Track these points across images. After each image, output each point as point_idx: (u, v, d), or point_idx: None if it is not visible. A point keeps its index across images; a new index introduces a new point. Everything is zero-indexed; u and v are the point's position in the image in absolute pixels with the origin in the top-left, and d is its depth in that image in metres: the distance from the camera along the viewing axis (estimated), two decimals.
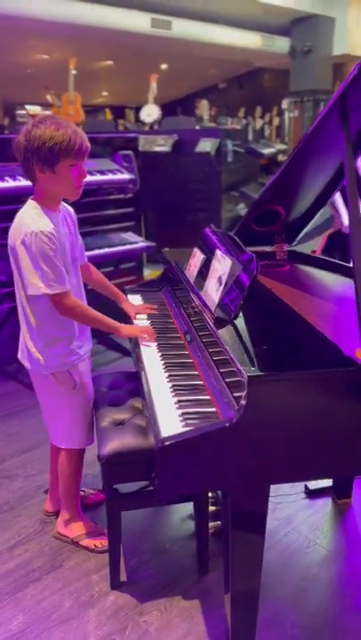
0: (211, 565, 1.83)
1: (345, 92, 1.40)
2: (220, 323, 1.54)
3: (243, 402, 1.19)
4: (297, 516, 2.10)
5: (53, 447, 2.01)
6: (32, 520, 2.09)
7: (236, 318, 1.51)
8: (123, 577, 1.80)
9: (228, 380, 1.38)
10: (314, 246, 3.89)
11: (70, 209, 1.83)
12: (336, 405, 1.23)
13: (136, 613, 1.67)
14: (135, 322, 2.03)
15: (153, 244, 3.68)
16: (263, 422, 1.20)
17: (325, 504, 2.17)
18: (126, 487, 1.73)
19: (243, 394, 1.20)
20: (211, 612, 1.68)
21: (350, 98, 1.42)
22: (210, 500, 1.88)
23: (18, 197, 2.79)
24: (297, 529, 2.03)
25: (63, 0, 8.17)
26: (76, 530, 1.95)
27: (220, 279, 1.65)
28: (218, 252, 1.72)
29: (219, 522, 1.94)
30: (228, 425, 1.18)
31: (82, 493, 2.09)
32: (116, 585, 1.77)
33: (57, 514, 2.06)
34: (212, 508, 1.91)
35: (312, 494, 2.21)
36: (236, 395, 1.29)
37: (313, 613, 1.68)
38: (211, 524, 1.86)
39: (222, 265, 1.66)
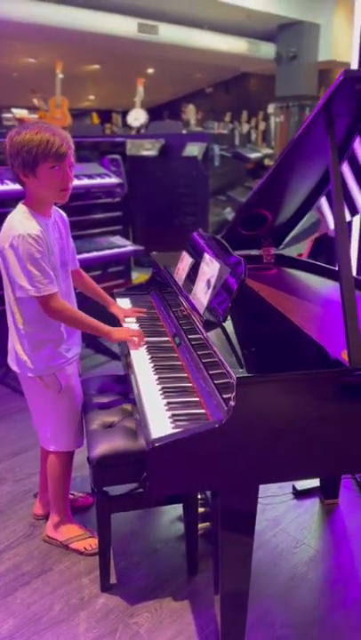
0: (200, 566, 1.84)
1: (330, 99, 1.42)
2: (208, 325, 1.55)
3: (232, 403, 1.21)
4: (285, 516, 2.12)
5: (43, 450, 2.01)
6: (21, 524, 2.09)
7: (224, 321, 1.53)
8: (113, 579, 1.81)
9: (217, 381, 1.40)
10: (300, 249, 3.94)
11: (63, 213, 1.85)
12: (324, 406, 1.25)
13: (126, 615, 1.68)
14: (124, 325, 2.04)
15: (141, 247, 3.70)
16: (252, 423, 1.22)
17: (313, 504, 2.19)
18: (115, 489, 1.74)
19: (232, 395, 1.22)
20: (200, 612, 1.69)
21: (335, 105, 1.45)
22: (199, 502, 1.89)
23: (4, 201, 2.80)
24: (285, 529, 2.05)
25: (49, 4, 8.17)
26: (66, 533, 1.96)
27: (208, 282, 1.67)
28: (206, 256, 1.74)
29: (208, 523, 1.95)
30: (217, 426, 1.20)
31: (71, 497, 2.10)
32: (106, 587, 1.77)
33: (46, 517, 2.06)
34: (201, 510, 1.92)
35: (300, 495, 2.23)
36: (225, 396, 1.31)
37: (302, 612, 1.70)
38: (200, 526, 1.88)
39: (210, 268, 1.68)
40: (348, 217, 2.51)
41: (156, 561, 1.90)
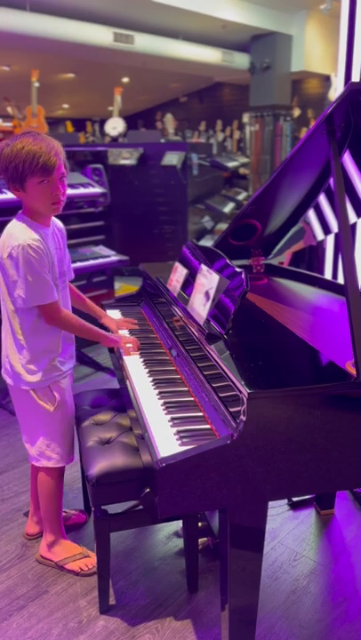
0: (199, 583, 1.81)
1: (335, 110, 1.42)
2: (209, 338, 1.53)
3: (243, 418, 1.18)
4: (282, 528, 2.10)
5: (34, 468, 1.95)
6: (13, 545, 2.02)
7: (227, 334, 1.51)
8: (111, 600, 1.76)
9: (221, 395, 1.37)
10: (280, 259, 3.95)
11: (61, 224, 1.82)
12: (334, 418, 1.24)
13: (128, 637, 1.63)
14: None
15: (126, 257, 3.66)
16: (263, 438, 1.19)
17: (309, 515, 2.18)
18: (113, 507, 1.69)
19: (242, 409, 1.19)
20: (204, 631, 1.66)
21: (337, 116, 1.46)
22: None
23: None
24: (283, 542, 2.03)
25: (23, 12, 8.10)
26: (61, 553, 1.90)
27: (207, 294, 1.65)
28: (203, 267, 1.72)
29: (205, 538, 1.92)
30: (229, 442, 1.17)
31: (64, 514, 2.04)
32: (105, 609, 1.72)
33: (39, 536, 2.00)
34: (198, 524, 1.88)
35: (295, 506, 2.22)
36: (232, 410, 1.29)
37: (306, 627, 1.68)
38: (198, 541, 1.84)
39: (209, 280, 1.66)
40: (334, 229, 2.52)
41: (154, 579, 1.85)
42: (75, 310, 2.02)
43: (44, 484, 1.86)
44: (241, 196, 7.75)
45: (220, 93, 14.91)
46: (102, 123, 8.88)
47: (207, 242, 6.06)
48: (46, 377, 1.74)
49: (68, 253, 1.83)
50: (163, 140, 7.24)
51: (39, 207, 1.65)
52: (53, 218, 1.76)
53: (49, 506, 1.88)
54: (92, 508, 1.66)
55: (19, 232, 1.61)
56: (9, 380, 1.78)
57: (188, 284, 1.93)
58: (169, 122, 10.64)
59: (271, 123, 10.89)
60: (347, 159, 1.96)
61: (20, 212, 1.69)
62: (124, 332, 2.04)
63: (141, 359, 1.82)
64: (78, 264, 3.40)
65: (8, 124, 9.63)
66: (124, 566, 1.90)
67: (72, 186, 3.44)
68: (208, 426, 1.38)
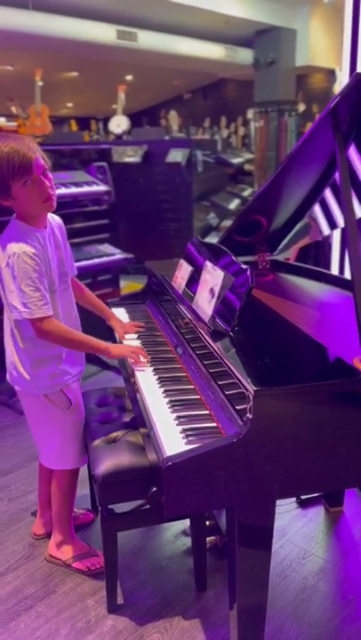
0: (208, 582, 1.80)
1: (340, 101, 1.40)
2: (215, 335, 1.52)
3: (249, 416, 1.17)
4: (291, 526, 2.08)
5: (43, 468, 1.94)
6: (20, 545, 2.02)
7: (232, 331, 1.49)
8: (119, 599, 1.75)
9: (228, 392, 1.36)
10: (287, 254, 3.91)
11: (58, 220, 1.77)
12: (343, 415, 1.22)
13: (136, 637, 1.62)
14: (124, 342, 1.98)
15: (131, 255, 3.65)
16: (271, 436, 1.18)
17: (318, 513, 2.16)
18: (120, 506, 1.68)
19: (248, 407, 1.18)
20: (212, 630, 1.65)
21: (342, 107, 1.43)
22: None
23: None
24: (292, 540, 2.01)
25: (27, 11, 8.09)
26: (69, 552, 1.89)
27: (212, 291, 1.63)
28: (208, 264, 1.70)
29: (213, 537, 1.90)
30: (235, 440, 1.16)
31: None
32: (113, 608, 1.71)
33: (47, 536, 2.00)
34: (206, 523, 1.87)
35: (304, 504, 2.20)
36: (238, 408, 1.27)
37: (316, 625, 1.66)
38: (206, 539, 1.83)
39: (213, 277, 1.64)
40: (340, 224, 2.50)
41: (162, 578, 1.84)
42: (83, 309, 2.00)
43: (58, 486, 1.85)
44: (246, 193, 7.71)
45: (224, 89, 14.84)
46: (106, 121, 8.87)
47: (213, 239, 6.03)
48: (56, 381, 1.72)
49: (69, 249, 1.80)
50: (167, 138, 7.22)
51: (32, 209, 1.60)
52: (50, 214, 1.71)
53: (61, 507, 1.87)
54: (99, 508, 1.65)
55: (15, 239, 1.56)
56: (17, 387, 1.76)
57: (194, 281, 1.91)
58: (173, 119, 10.62)
59: (276, 118, 10.82)
60: (352, 153, 1.93)
61: (14, 216, 1.64)
62: (133, 337, 2.01)
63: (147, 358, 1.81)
64: (83, 263, 3.39)
65: (12, 124, 9.64)
66: (131, 565, 1.90)
67: (76, 184, 3.43)
68: (214, 424, 1.37)
